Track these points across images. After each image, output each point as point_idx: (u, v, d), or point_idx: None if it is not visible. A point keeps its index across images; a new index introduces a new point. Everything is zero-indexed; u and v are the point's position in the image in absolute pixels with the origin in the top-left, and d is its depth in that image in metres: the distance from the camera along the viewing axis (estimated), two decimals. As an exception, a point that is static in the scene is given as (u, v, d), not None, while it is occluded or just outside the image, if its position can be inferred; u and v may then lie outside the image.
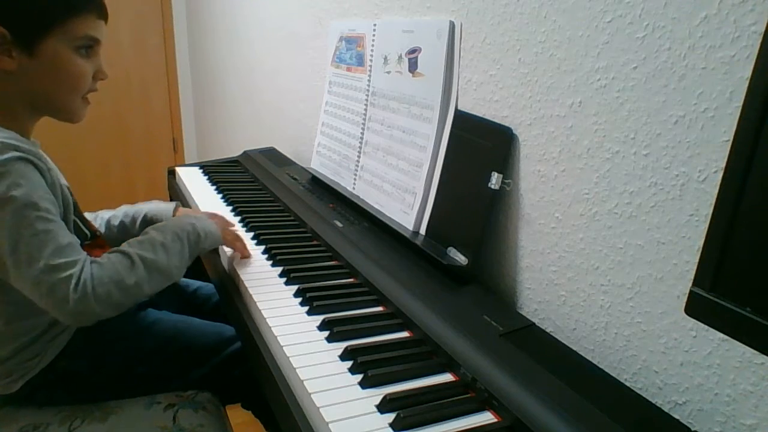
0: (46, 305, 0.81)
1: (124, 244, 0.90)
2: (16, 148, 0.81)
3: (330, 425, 0.61)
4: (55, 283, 0.79)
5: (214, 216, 1.12)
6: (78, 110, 0.94)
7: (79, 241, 0.85)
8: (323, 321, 0.81)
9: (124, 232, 1.17)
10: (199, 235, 0.95)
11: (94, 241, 1.00)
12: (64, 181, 0.97)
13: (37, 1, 0.84)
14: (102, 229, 1.17)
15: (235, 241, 1.02)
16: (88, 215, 1.19)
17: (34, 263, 0.78)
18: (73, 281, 0.79)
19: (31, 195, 0.80)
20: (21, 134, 0.89)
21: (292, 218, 1.25)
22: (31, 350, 0.93)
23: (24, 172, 0.81)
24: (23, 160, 0.81)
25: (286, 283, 0.94)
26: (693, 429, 0.62)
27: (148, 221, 1.17)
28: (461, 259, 0.91)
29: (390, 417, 0.62)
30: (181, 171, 1.64)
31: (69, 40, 0.87)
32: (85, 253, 0.84)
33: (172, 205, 1.20)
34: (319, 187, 1.38)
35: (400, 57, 1.11)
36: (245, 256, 1.02)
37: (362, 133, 1.25)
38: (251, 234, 1.15)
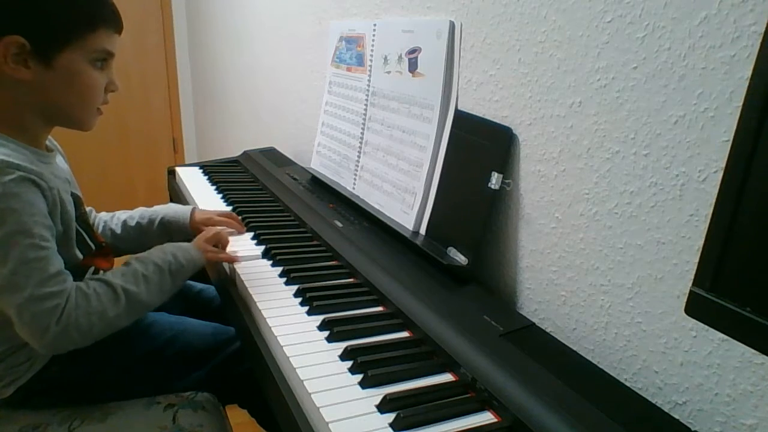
0: (24, 332, 0.81)
1: (107, 274, 0.90)
2: (18, 168, 0.80)
3: (330, 425, 0.61)
4: (38, 312, 0.79)
5: (219, 218, 1.14)
6: (90, 121, 0.93)
7: (68, 272, 0.84)
8: (323, 321, 0.81)
9: (140, 233, 1.17)
10: (181, 264, 0.96)
11: (99, 251, 1.00)
12: (73, 191, 0.96)
13: (61, 14, 0.84)
14: (118, 230, 1.17)
15: (219, 256, 1.02)
16: (104, 215, 1.19)
17: (19, 291, 0.78)
18: (58, 313, 0.80)
19: (26, 221, 0.79)
20: (32, 144, 0.89)
21: (292, 218, 1.25)
22: (20, 355, 0.91)
23: (22, 194, 0.80)
24: (25, 180, 0.80)
25: (286, 283, 0.94)
26: (693, 429, 0.62)
27: (165, 224, 1.17)
28: (461, 259, 0.91)
29: (390, 417, 0.62)
30: (181, 171, 1.65)
31: (86, 53, 0.86)
32: (71, 280, 0.84)
33: (189, 208, 1.19)
34: (319, 187, 1.38)
35: (400, 57, 1.11)
36: (234, 261, 1.01)
37: (362, 133, 1.25)
38: (251, 234, 1.15)
